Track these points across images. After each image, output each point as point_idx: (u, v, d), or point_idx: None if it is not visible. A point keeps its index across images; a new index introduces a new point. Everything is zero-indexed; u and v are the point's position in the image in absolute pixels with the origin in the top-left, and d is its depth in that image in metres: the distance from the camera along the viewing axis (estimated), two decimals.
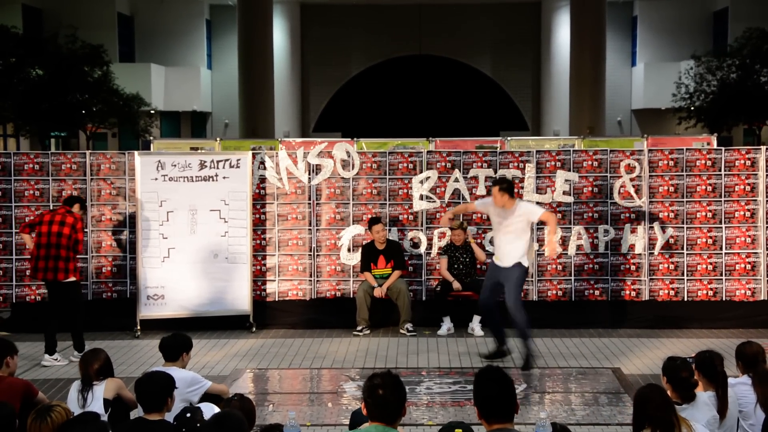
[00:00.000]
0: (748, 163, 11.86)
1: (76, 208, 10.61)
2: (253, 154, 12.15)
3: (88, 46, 28.58)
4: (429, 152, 12.41)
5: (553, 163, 12.05)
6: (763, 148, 11.99)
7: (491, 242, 12.00)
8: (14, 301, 12.07)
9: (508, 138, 14.78)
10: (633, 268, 11.91)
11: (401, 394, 4.60)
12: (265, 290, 12.16)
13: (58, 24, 29.76)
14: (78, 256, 10.68)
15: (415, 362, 10.22)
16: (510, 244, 9.79)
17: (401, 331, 11.64)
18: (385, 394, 4.54)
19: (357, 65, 41.38)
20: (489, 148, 13.04)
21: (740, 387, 6.42)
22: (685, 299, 11.87)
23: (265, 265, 12.16)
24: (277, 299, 12.19)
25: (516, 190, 10.17)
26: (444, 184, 12.12)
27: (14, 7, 33.50)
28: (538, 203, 11.86)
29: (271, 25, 33.69)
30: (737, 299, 11.85)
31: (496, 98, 40.83)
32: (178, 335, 7.11)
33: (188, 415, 5.40)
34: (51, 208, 11.74)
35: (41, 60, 27.42)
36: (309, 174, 12.19)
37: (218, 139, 15.58)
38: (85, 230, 10.71)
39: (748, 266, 11.83)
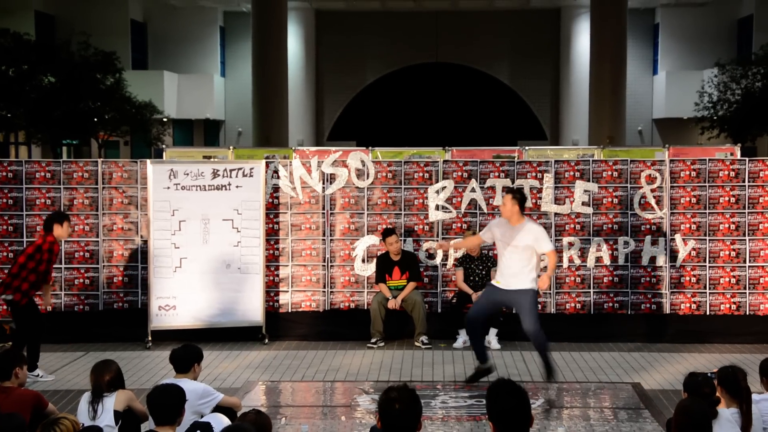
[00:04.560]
0: None
1: (56, 229, 10.18)
2: (266, 162, 12.03)
3: (101, 53, 28.53)
4: (445, 162, 12.25)
5: (572, 173, 11.87)
6: None
7: None
8: None
9: (526, 147, 14.60)
10: (654, 280, 11.71)
11: (417, 409, 4.55)
12: (277, 301, 12.03)
13: (71, 31, 29.74)
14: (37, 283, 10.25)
15: (430, 375, 10.10)
16: (514, 268, 9.37)
17: (416, 343, 11.50)
18: (401, 408, 4.49)
19: (373, 73, 41.28)
20: (506, 158, 12.88)
21: (764, 404, 6.35)
22: (708, 313, 11.66)
23: (278, 275, 12.03)
24: (290, 310, 12.05)
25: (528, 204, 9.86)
26: (460, 194, 11.97)
27: (27, 14, 33.52)
28: (555, 214, 11.74)
29: (285, 32, 33.65)
30: (761, 313, 11.63)
31: (514, 107, 40.64)
32: (188, 346, 7.11)
33: (198, 431, 5.30)
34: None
35: (53, 67, 27.40)
36: (323, 183, 12.06)
37: (231, 147, 15.47)
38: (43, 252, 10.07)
39: None
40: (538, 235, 9.35)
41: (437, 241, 11.97)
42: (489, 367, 9.63)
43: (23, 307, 10.07)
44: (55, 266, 11.26)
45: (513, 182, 11.86)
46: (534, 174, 11.92)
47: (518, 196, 9.47)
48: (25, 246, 10.55)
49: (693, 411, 5.23)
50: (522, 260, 9.35)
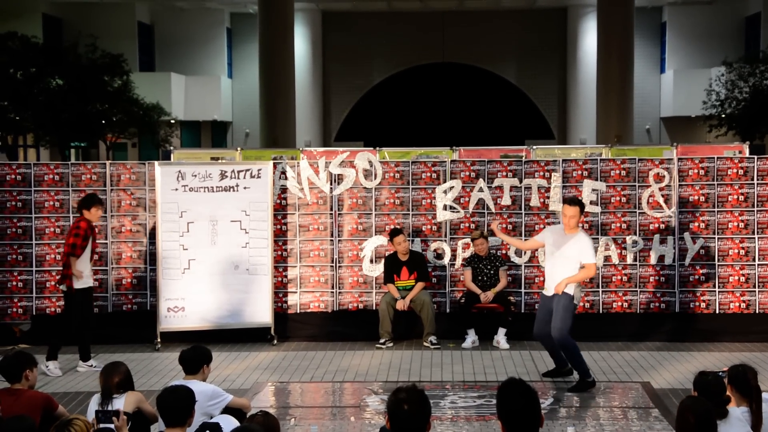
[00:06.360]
0: None
1: (93, 212, 10.48)
2: (274, 164, 12.03)
3: (108, 56, 28.60)
4: (453, 161, 12.24)
5: (579, 172, 11.85)
6: None
7: (516, 253, 11.86)
8: (34, 313, 11.98)
9: (534, 147, 14.60)
10: (662, 279, 11.68)
11: (426, 409, 4.52)
12: (286, 302, 12.03)
13: (78, 33, 29.78)
14: (93, 267, 10.72)
15: (439, 376, 10.08)
16: (558, 276, 9.36)
17: (425, 343, 11.48)
18: (410, 409, 4.46)
19: (379, 73, 41.24)
20: (514, 157, 12.86)
21: None
22: (717, 311, 11.63)
23: (286, 276, 12.03)
24: (298, 311, 12.05)
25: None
26: (468, 194, 11.95)
27: (34, 17, 33.64)
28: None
29: (292, 33, 33.62)
30: None
31: (521, 106, 40.57)
32: (197, 348, 7.10)
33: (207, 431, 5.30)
34: (71, 218, 11.77)
35: (61, 70, 27.44)
36: (331, 184, 12.05)
37: (239, 148, 15.48)
38: (87, 232, 10.38)
39: None
40: (583, 246, 9.30)
41: (445, 241, 11.97)
42: (565, 370, 9.79)
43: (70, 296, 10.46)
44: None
45: (521, 181, 11.85)
46: (542, 173, 11.90)
47: (582, 206, 9.50)
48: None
49: (696, 410, 5.18)
50: (567, 269, 9.32)
